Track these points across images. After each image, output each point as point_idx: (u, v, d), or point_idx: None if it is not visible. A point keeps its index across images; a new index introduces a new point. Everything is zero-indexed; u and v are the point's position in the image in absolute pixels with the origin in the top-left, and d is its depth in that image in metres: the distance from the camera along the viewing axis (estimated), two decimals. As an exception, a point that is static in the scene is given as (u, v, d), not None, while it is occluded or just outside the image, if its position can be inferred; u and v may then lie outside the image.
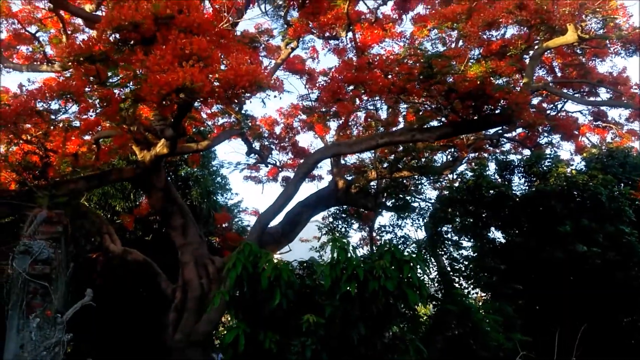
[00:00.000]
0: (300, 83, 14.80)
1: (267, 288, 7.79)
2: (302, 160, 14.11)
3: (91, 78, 8.06)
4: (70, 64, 12.19)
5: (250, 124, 14.98)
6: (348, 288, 7.73)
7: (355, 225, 16.53)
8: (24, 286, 7.05)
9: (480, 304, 11.86)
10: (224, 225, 18.09)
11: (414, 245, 13.15)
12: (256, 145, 16.29)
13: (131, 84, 8.97)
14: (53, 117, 10.96)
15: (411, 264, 7.90)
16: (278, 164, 16.87)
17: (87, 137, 15.54)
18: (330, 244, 8.03)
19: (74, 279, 10.99)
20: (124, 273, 14.18)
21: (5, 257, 9.13)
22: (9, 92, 15.02)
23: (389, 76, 9.52)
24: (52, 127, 12.56)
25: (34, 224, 8.74)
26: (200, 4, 8.32)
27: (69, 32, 13.82)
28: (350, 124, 14.44)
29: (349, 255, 8.00)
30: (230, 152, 73.05)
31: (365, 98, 11.73)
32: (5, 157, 11.61)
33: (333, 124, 14.65)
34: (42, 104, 11.41)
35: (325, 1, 9.30)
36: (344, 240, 8.03)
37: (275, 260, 8.43)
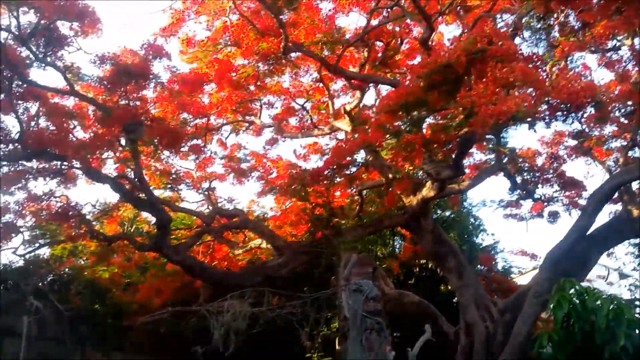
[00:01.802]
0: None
1: (605, 329, 7.25)
2: (590, 189, 13.03)
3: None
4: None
5: (514, 158, 14.74)
6: None
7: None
8: (361, 323, 7.95)
9: None
10: (485, 268, 17.78)
11: None
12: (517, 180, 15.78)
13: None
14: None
15: None
16: (543, 198, 15.95)
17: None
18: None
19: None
20: (399, 315, 14.90)
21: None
22: (281, 159, 17.87)
23: None
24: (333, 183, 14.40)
25: (349, 266, 9.98)
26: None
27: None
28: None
29: None
30: (487, 190, 71.65)
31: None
32: (304, 211, 13.58)
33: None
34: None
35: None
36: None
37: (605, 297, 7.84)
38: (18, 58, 10.49)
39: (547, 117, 7.15)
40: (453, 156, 11.06)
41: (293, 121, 17.77)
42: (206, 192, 16.71)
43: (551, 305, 7.99)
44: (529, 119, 6.67)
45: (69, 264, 16.30)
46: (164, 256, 12.80)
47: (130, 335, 17.36)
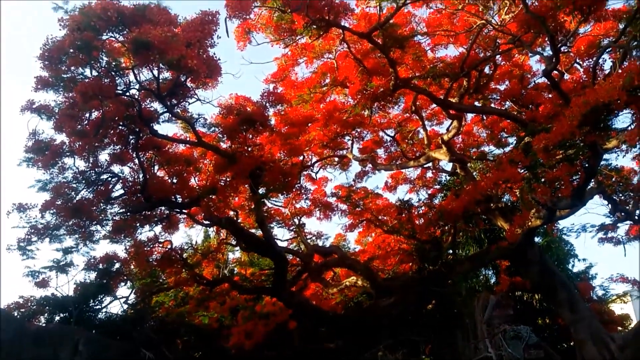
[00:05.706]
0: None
1: None
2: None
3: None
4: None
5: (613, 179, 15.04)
6: None
7: None
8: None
9: None
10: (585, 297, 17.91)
11: None
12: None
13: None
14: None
15: None
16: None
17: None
18: None
19: None
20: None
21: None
22: (367, 192, 18.40)
23: None
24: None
25: (488, 308, 10.40)
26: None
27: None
28: None
29: None
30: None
31: None
32: (416, 246, 14.07)
33: None
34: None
35: None
36: None
37: None
38: (148, 112, 11.41)
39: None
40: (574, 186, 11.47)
41: (380, 152, 18.43)
42: (296, 229, 17.33)
43: None
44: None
45: (168, 310, 16.94)
46: (281, 301, 13.39)
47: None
